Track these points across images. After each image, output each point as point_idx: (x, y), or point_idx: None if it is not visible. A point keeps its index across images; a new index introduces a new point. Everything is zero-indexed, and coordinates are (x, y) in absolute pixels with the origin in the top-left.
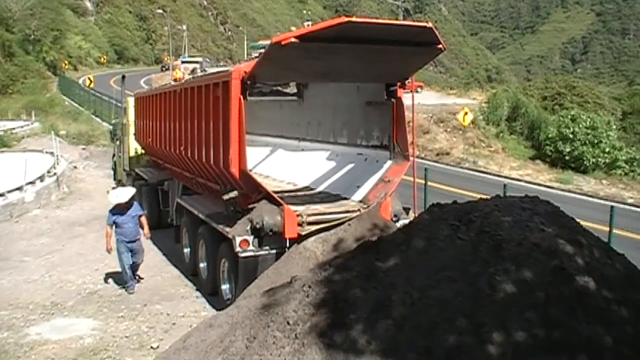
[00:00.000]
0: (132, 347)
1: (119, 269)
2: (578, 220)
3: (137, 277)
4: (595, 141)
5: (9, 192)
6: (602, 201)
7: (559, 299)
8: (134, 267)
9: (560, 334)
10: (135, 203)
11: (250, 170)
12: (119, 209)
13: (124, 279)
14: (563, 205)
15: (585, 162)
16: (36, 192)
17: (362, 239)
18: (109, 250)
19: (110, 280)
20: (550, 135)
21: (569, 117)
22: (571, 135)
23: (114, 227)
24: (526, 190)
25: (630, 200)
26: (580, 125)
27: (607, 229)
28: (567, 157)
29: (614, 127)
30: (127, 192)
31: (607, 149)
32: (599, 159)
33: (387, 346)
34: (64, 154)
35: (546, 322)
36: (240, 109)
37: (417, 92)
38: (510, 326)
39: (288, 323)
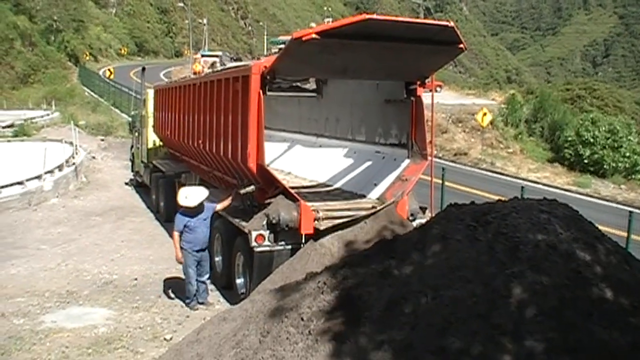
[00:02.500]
0: (146, 338)
1: (133, 260)
2: (596, 224)
3: (207, 291)
4: (616, 145)
5: (28, 180)
6: (620, 206)
7: (575, 303)
8: (203, 279)
9: (576, 338)
10: (206, 203)
11: (268, 165)
12: (189, 211)
13: (188, 292)
14: (581, 209)
15: (604, 166)
16: (54, 181)
17: (378, 237)
18: (180, 261)
19: (125, 271)
20: (569, 138)
21: (589, 120)
22: (591, 139)
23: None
24: (544, 193)
25: None
26: (601, 129)
27: (626, 234)
28: (586, 161)
29: (635, 131)
30: (198, 194)
31: (627, 154)
32: (619, 164)
33: (401, 345)
34: (82, 144)
35: (561, 325)
36: (259, 103)
37: (436, 91)
38: (525, 329)
39: (302, 319)
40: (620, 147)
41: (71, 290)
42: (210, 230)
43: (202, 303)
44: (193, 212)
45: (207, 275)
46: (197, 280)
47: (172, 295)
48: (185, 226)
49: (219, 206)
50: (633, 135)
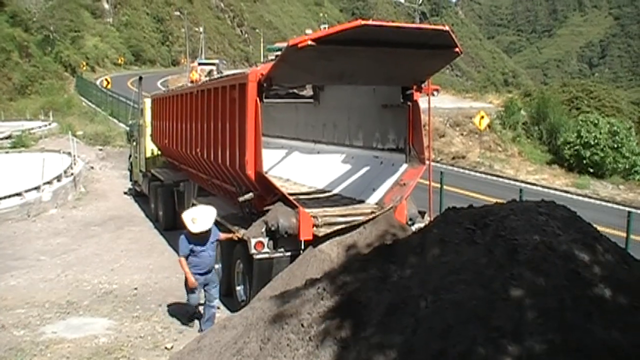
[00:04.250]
0: (147, 347)
1: (133, 269)
2: (595, 225)
3: (213, 320)
4: (616, 146)
5: (26, 191)
6: (619, 206)
7: (575, 303)
8: (213, 304)
9: (576, 339)
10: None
11: (266, 173)
12: (196, 236)
13: (189, 315)
14: (580, 210)
15: (604, 167)
16: (53, 192)
17: (377, 242)
18: (193, 289)
19: (125, 280)
20: (569, 140)
21: (591, 122)
22: (593, 141)
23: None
24: (542, 195)
25: None
26: (602, 131)
27: (624, 234)
28: (585, 162)
29: (635, 132)
30: (207, 217)
31: (626, 154)
32: (620, 165)
33: (401, 349)
34: (80, 154)
35: (562, 327)
36: (256, 111)
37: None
38: (525, 330)
39: (302, 325)
40: (621, 147)
41: (71, 300)
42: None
43: (200, 330)
44: (200, 237)
45: (216, 301)
46: (207, 305)
47: (173, 304)
48: (191, 251)
49: (222, 236)
50: (633, 136)
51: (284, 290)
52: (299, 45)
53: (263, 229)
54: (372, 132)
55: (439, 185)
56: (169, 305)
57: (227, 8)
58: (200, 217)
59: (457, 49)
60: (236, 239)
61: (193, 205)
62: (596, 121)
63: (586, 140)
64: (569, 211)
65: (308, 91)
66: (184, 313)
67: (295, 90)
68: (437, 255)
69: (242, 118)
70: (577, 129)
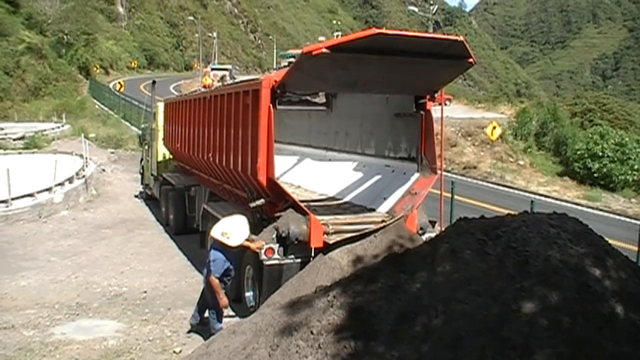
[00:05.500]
0: (155, 350)
1: (143, 272)
2: (606, 238)
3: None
4: (624, 158)
5: (38, 192)
6: (631, 220)
7: (585, 317)
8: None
9: (586, 353)
10: None
11: (278, 179)
12: (230, 251)
13: (214, 329)
14: (591, 222)
15: (614, 180)
16: (65, 193)
17: (387, 251)
18: (226, 307)
19: (135, 283)
20: (578, 152)
21: (598, 133)
22: (600, 153)
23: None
24: (553, 207)
25: None
26: (609, 142)
27: (636, 248)
28: (595, 174)
29: None
30: (242, 226)
31: (636, 166)
32: (628, 177)
33: (411, 358)
34: (92, 156)
35: (571, 340)
36: (269, 117)
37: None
38: (535, 343)
39: (312, 332)
40: (628, 159)
41: (81, 302)
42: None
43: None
44: (233, 252)
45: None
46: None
47: (182, 308)
48: (225, 270)
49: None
50: None
51: (294, 297)
52: (314, 53)
53: (274, 235)
54: (384, 141)
55: (449, 195)
56: (178, 310)
57: (241, 14)
58: (232, 229)
59: (471, 59)
60: (257, 251)
61: (204, 209)
62: (604, 132)
63: (593, 152)
64: (580, 224)
65: (321, 98)
66: (192, 304)
67: (308, 97)
68: (448, 265)
69: (254, 124)
70: (586, 141)
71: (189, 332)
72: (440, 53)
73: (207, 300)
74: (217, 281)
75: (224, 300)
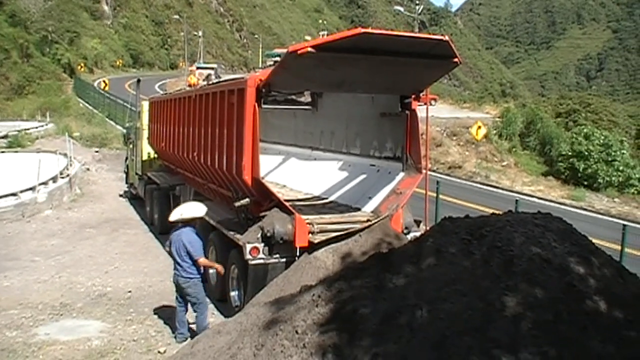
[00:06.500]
0: (140, 350)
1: (127, 272)
2: (590, 238)
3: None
4: (609, 159)
5: (21, 192)
6: (614, 219)
7: (570, 316)
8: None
9: (571, 352)
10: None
11: (263, 178)
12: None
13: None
14: (575, 222)
15: (598, 180)
16: (48, 192)
17: (372, 250)
18: (221, 273)
19: (119, 283)
20: (563, 152)
21: (582, 134)
22: (585, 153)
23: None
24: (538, 206)
25: None
26: (595, 143)
27: (620, 247)
28: (580, 175)
29: (627, 145)
30: (195, 205)
31: (620, 167)
32: (613, 177)
33: (396, 358)
34: (77, 155)
35: (556, 339)
36: (254, 116)
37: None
38: (520, 342)
39: (296, 332)
40: (614, 160)
41: (65, 302)
42: (204, 243)
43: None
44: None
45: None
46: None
47: (166, 308)
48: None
49: (202, 261)
50: (626, 149)
51: (279, 297)
52: (299, 52)
53: (259, 235)
54: (369, 140)
55: (435, 195)
56: (162, 309)
57: (227, 13)
58: (187, 208)
59: (456, 59)
60: (222, 272)
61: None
62: (589, 133)
63: (579, 152)
64: (565, 223)
65: (306, 98)
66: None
67: (293, 97)
68: (433, 265)
69: (240, 123)
70: (570, 142)
71: (173, 332)
72: (426, 53)
73: (188, 299)
74: (204, 258)
75: (219, 267)
